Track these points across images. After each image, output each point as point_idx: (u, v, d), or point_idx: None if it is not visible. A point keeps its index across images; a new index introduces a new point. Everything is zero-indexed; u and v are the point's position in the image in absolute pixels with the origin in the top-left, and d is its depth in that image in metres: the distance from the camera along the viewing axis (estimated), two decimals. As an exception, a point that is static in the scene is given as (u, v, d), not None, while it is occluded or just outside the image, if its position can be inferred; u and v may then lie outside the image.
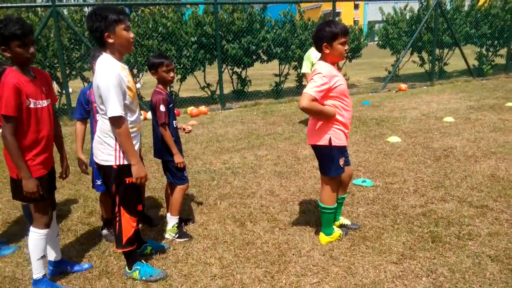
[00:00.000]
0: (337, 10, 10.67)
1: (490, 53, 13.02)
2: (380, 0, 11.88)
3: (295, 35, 10.42)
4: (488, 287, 2.49)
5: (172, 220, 3.36)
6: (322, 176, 3.10)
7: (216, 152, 5.88)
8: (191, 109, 9.04)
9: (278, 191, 4.30)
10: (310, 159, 5.39)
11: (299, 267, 2.85)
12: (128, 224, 2.66)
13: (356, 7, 49.16)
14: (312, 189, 4.35)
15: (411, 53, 12.53)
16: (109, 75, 2.39)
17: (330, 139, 2.92)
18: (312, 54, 6.39)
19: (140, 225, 3.08)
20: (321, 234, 3.19)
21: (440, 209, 3.62)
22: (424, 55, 12.55)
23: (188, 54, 9.48)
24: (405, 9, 12.50)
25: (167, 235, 3.37)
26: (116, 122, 2.44)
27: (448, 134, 6.16)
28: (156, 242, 3.23)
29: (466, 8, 12.38)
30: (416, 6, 12.38)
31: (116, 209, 2.64)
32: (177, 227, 3.36)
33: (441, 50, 12.55)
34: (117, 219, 2.65)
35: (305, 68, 6.62)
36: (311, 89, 2.80)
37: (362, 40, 11.49)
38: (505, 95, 9.26)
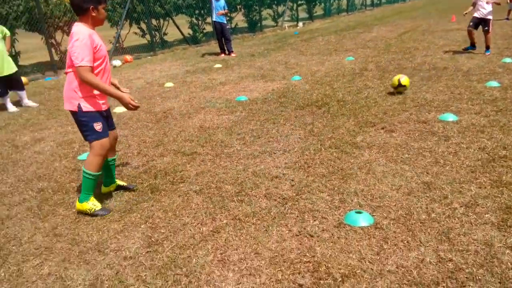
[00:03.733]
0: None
1: (200, 22, 14.68)
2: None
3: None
4: (194, 214, 3.02)
5: None
6: (90, 144, 3.04)
7: None
8: None
9: (-10, 187, 3.82)
10: (31, 145, 4.96)
11: (20, 256, 2.70)
12: None
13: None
14: (34, 175, 4.06)
15: (130, 25, 12.79)
16: None
17: (79, 105, 2.92)
18: None
19: None
20: (77, 202, 3.14)
21: (159, 163, 4.05)
22: (143, 26, 13.04)
23: None
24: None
25: None
26: None
27: (168, 97, 6.78)
28: None
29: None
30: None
31: None
32: None
33: (157, 21, 13.30)
34: None
35: None
36: (82, 61, 2.75)
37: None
38: (213, 58, 10.78)
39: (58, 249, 2.75)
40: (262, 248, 2.54)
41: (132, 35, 13.03)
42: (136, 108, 3.00)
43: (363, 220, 2.69)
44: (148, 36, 13.08)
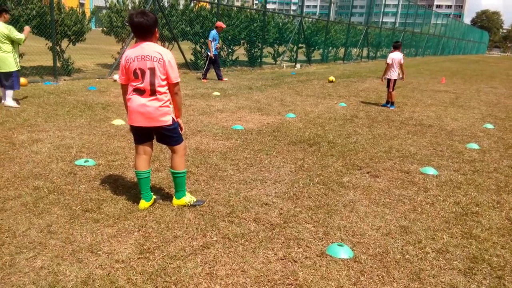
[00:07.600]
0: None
1: (203, 50, 15.13)
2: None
3: None
4: (186, 229, 3.18)
5: None
6: (177, 147, 3.41)
7: None
8: None
9: (-14, 179, 3.91)
10: (28, 144, 5.07)
11: (14, 247, 2.80)
12: None
13: (82, -11, 46.48)
14: (30, 173, 4.16)
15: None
16: None
17: (172, 118, 3.33)
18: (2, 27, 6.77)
19: None
20: (177, 200, 3.57)
21: (155, 178, 4.21)
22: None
23: None
24: (127, -1, 12.99)
25: None
26: None
27: (166, 117, 6.99)
28: None
29: (181, 7, 13.94)
30: (138, -2, 13.05)
31: None
32: None
33: (163, 43, 13.70)
34: None
35: None
36: (179, 77, 3.27)
37: (86, 24, 11.22)
38: (213, 86, 11.13)
39: (52, 246, 2.86)
40: (248, 267, 2.71)
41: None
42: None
43: (344, 252, 2.89)
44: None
